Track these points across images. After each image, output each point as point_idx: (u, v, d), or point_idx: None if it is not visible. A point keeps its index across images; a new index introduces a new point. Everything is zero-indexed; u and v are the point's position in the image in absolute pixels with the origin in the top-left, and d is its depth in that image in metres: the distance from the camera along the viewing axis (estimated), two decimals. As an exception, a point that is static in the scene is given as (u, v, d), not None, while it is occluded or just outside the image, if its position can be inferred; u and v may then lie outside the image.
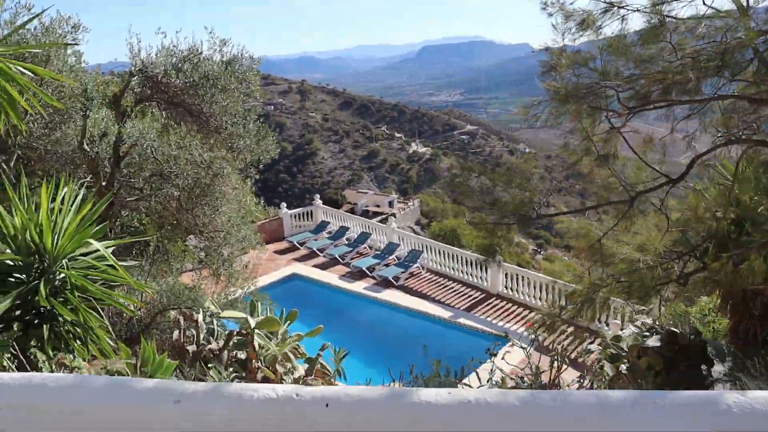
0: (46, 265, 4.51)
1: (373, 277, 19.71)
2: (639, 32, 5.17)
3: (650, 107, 4.79)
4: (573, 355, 13.83)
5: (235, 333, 8.98)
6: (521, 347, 4.87)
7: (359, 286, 19.22)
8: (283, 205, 24.70)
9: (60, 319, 4.59)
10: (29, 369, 4.22)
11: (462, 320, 16.64)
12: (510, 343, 4.98)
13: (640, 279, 5.66)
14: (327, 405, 1.90)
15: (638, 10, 5.09)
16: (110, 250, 4.77)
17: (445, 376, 5.37)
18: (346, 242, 22.84)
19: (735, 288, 7.11)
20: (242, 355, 9.56)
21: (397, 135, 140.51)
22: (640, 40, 5.08)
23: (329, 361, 7.87)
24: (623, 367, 8.88)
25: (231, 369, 9.11)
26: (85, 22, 7.95)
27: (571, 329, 12.55)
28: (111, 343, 5.42)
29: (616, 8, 5.05)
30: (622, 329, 12.31)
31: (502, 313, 16.93)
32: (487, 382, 5.31)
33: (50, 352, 4.43)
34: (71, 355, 4.74)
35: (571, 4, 5.32)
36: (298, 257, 22.06)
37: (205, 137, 8.52)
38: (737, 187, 5.65)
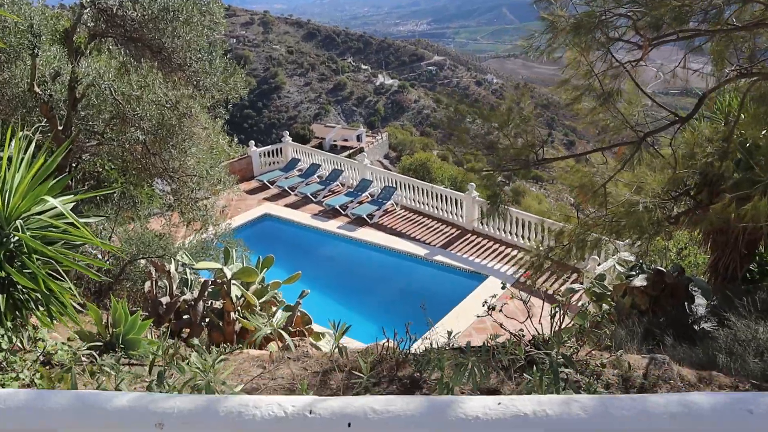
0: (-3, 228, 3.99)
1: (346, 216, 19.45)
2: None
3: (672, 38, 4.36)
4: (552, 293, 13.85)
5: (210, 282, 8.61)
6: (519, 299, 4.57)
7: (333, 225, 18.97)
8: (252, 142, 24.01)
9: (18, 286, 4.10)
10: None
11: (439, 257, 16.53)
12: (505, 293, 4.68)
13: (636, 220, 5.37)
14: (349, 425, 1.52)
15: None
16: (71, 206, 4.25)
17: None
18: (318, 180, 22.47)
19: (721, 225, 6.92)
20: (218, 304, 9.25)
21: (364, 67, 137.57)
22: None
23: (333, 332, 7.58)
24: (606, 307, 8.81)
25: (207, 319, 8.81)
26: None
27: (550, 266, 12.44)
28: (77, 306, 4.95)
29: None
30: (599, 264, 12.27)
31: (479, 249, 16.82)
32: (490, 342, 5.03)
33: (8, 324, 3.97)
34: (33, 326, 4.30)
35: None
36: (269, 197, 21.64)
37: (168, 75, 7.85)
38: (741, 123, 5.32)
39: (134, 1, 7.04)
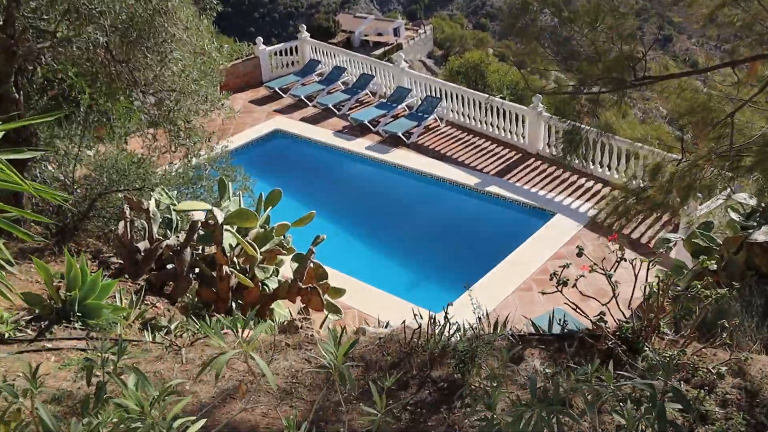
0: None
1: (377, 133, 19.07)
2: None
3: None
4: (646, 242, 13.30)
5: (199, 223, 8.27)
6: (602, 270, 4.05)
7: (360, 145, 18.64)
8: (259, 39, 23.42)
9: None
10: None
11: (493, 188, 16.05)
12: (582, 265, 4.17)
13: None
14: None
15: None
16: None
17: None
18: (343, 87, 22.04)
19: None
20: (212, 250, 8.96)
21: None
22: None
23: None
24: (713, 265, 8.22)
25: (197, 270, 8.54)
26: None
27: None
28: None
29: None
30: (701, 204, 11.51)
31: (545, 179, 16.21)
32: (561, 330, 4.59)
33: None
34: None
35: None
36: (281, 108, 21.33)
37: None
38: None
39: None
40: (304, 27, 24.72)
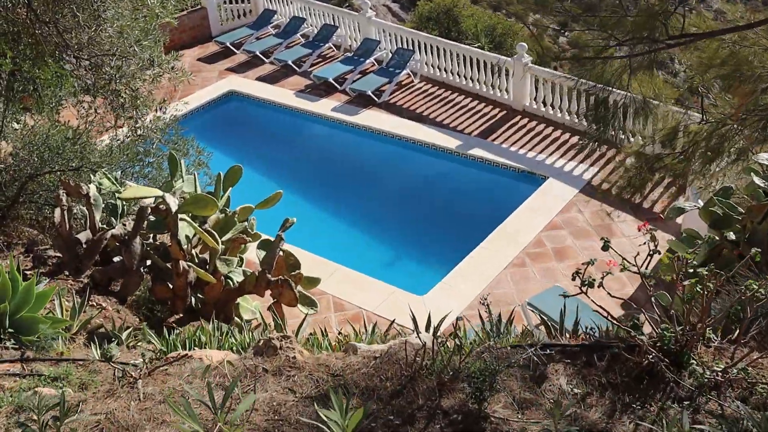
0: None
1: (344, 92, 18.85)
2: None
3: None
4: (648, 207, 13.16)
5: (149, 209, 7.85)
6: (635, 268, 3.76)
7: (326, 106, 18.39)
8: (205, -13, 22.77)
9: None
10: None
11: (476, 151, 15.88)
12: (608, 261, 3.87)
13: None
14: None
15: None
16: None
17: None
18: (303, 41, 21.71)
19: None
20: (164, 238, 8.55)
21: None
22: None
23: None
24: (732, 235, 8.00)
25: (149, 262, 8.14)
26: None
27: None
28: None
29: None
30: (719, 169, 11.36)
31: (533, 138, 15.98)
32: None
33: None
34: None
35: None
36: (234, 66, 21.01)
37: None
38: None
39: None
40: (257, -28, 24.12)
